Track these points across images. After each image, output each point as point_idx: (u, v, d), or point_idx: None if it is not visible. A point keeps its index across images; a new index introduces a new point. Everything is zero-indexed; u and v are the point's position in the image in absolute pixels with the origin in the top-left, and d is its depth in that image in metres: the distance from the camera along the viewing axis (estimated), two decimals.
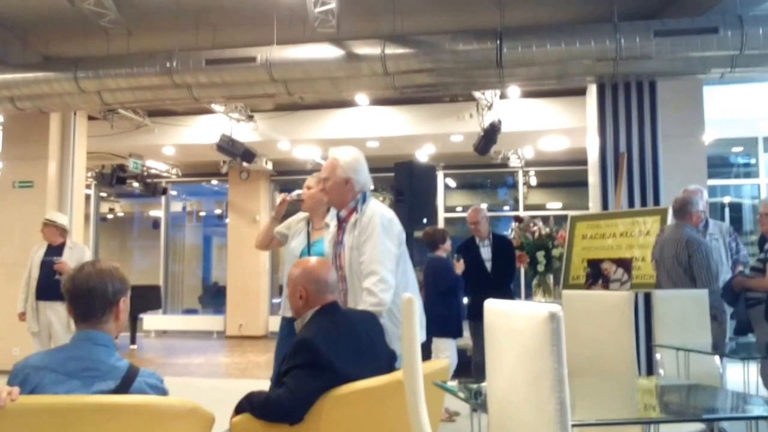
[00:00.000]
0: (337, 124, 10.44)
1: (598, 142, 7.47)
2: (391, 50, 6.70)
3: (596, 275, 5.93)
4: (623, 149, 7.26)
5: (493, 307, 1.92)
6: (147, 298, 11.76)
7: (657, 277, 5.13)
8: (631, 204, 7.16)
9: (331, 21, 6.52)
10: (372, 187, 3.45)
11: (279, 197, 4.11)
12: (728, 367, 4.09)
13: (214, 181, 14.52)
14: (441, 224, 11.79)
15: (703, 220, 5.45)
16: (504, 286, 6.19)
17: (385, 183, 12.10)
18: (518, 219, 7.52)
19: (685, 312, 4.22)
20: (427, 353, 5.67)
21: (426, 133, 10.30)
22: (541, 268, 6.98)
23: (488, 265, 6.23)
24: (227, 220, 13.70)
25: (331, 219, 3.57)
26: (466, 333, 6.19)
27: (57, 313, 6.13)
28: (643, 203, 7.15)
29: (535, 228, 7.16)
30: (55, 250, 6.34)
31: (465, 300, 6.29)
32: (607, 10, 6.73)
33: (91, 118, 9.73)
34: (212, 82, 7.17)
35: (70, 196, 8.92)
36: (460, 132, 10.09)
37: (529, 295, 8.92)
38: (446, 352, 5.83)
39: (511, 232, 7.29)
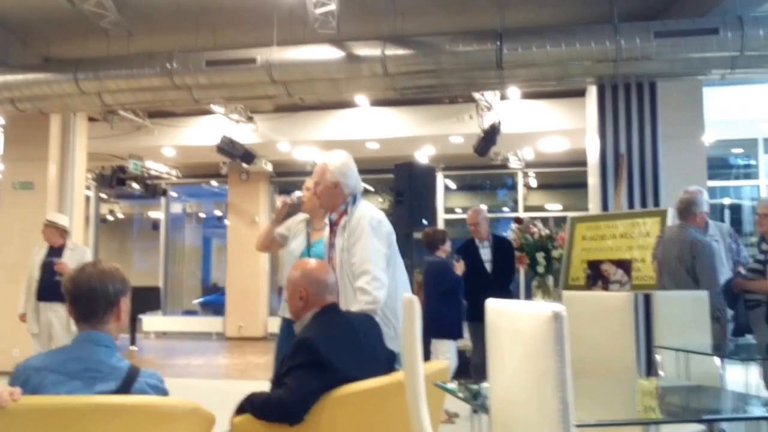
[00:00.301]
0: (337, 126, 10.45)
1: (597, 144, 7.47)
2: (392, 51, 6.71)
3: (596, 276, 5.93)
4: (623, 150, 7.26)
5: (495, 306, 1.92)
6: (146, 300, 11.76)
7: (659, 278, 5.12)
8: (630, 205, 7.16)
9: (331, 22, 6.53)
10: (362, 190, 3.51)
11: (279, 200, 4.11)
12: (728, 368, 4.09)
13: (214, 183, 14.52)
14: (440, 225, 11.79)
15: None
16: (504, 287, 6.19)
17: (384, 184, 12.10)
18: (518, 220, 7.52)
19: (685, 313, 4.21)
20: (426, 354, 5.67)
21: (426, 134, 10.31)
22: (540, 269, 6.98)
23: (488, 266, 6.24)
24: (227, 222, 13.70)
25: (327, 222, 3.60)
26: (466, 334, 6.18)
27: (57, 314, 6.13)
28: (643, 204, 7.15)
29: (535, 229, 7.16)
30: (55, 252, 6.34)
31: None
32: (607, 11, 6.74)
33: (91, 119, 9.73)
34: (212, 83, 7.17)
35: (70, 197, 8.92)
36: (460, 133, 10.09)
37: (528, 297, 8.92)
38: (446, 353, 5.83)
39: (510, 233, 7.28)
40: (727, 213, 10.97)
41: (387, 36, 6.86)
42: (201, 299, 16.12)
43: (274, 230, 4.17)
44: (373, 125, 10.29)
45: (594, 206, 7.79)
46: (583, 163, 8.50)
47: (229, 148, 9.83)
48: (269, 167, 12.60)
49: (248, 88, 7.25)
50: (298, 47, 6.97)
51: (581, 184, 9.07)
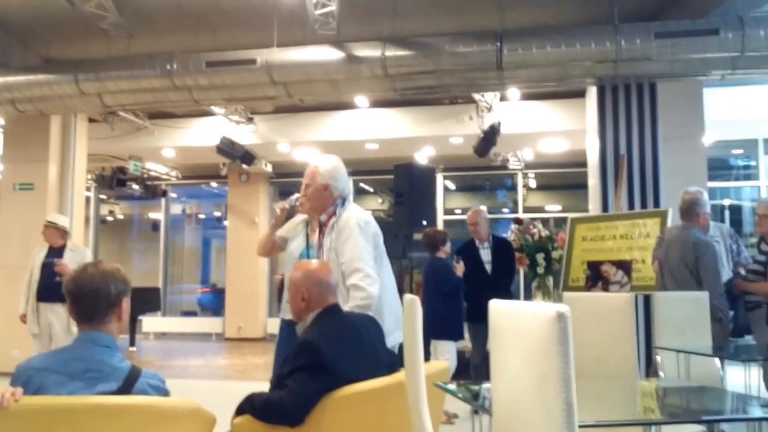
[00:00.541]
0: (337, 127, 10.45)
1: (597, 144, 7.47)
2: (392, 52, 6.71)
3: (596, 277, 5.92)
4: (623, 151, 7.26)
5: (498, 307, 1.92)
6: (146, 300, 11.76)
7: (659, 279, 5.11)
8: (631, 206, 7.16)
9: (331, 23, 6.53)
10: (351, 193, 3.59)
11: (277, 208, 4.08)
12: (729, 369, 4.09)
13: (214, 184, 14.52)
14: (440, 226, 11.79)
15: None
16: (504, 288, 6.18)
17: (384, 185, 12.10)
18: (518, 221, 7.52)
19: (685, 314, 4.21)
20: (425, 355, 5.66)
21: (425, 135, 10.31)
22: (540, 270, 6.98)
23: (488, 267, 6.23)
24: (226, 223, 13.70)
25: None
26: (466, 335, 6.18)
27: (57, 315, 6.13)
28: (643, 205, 7.15)
29: (535, 230, 7.16)
30: (56, 252, 6.34)
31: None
32: (608, 11, 6.74)
33: (91, 120, 9.73)
34: (212, 84, 7.18)
35: (71, 198, 8.93)
36: (460, 134, 10.10)
37: (528, 298, 8.92)
38: (446, 354, 5.82)
39: (510, 234, 7.28)
40: (727, 214, 10.97)
41: (387, 37, 6.86)
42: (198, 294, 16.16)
43: (275, 235, 4.16)
44: (373, 126, 10.29)
45: (594, 207, 7.79)
46: (583, 163, 8.50)
47: (228, 149, 9.84)
48: (269, 168, 12.60)
49: (248, 89, 7.25)
50: (298, 48, 6.97)
51: (581, 185, 9.08)
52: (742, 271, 5.22)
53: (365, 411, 2.65)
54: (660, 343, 4.02)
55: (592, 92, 7.76)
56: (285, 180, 13.39)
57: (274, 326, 6.66)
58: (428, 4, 7.25)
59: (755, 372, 4.62)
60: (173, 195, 14.73)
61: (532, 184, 12.82)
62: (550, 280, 7.09)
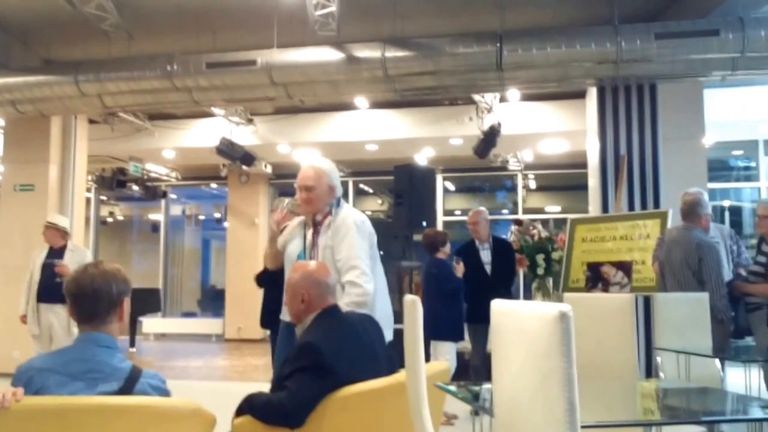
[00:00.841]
0: (337, 127, 10.45)
1: (598, 145, 7.47)
2: (392, 53, 6.71)
3: (596, 278, 5.92)
4: (623, 152, 7.27)
5: (500, 307, 1.91)
6: (146, 301, 11.76)
7: (660, 280, 5.11)
8: (631, 207, 7.16)
9: (331, 24, 6.54)
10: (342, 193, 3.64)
11: (272, 221, 4.01)
12: (729, 370, 4.09)
13: (214, 185, 14.52)
14: (440, 227, 11.78)
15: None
16: (504, 289, 6.18)
17: (384, 186, 12.09)
18: (518, 222, 7.52)
19: (685, 315, 4.21)
20: (425, 356, 5.66)
21: (425, 136, 10.31)
22: (540, 271, 6.97)
23: (488, 268, 6.24)
24: (226, 224, 13.69)
25: None
26: (466, 336, 6.18)
27: (58, 316, 6.13)
28: (644, 206, 7.15)
29: (535, 231, 7.16)
30: (56, 253, 6.34)
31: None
32: (608, 12, 6.74)
33: (91, 121, 9.74)
34: (213, 85, 7.18)
35: (71, 199, 8.93)
36: (460, 135, 10.10)
37: (528, 299, 8.92)
38: (446, 355, 5.82)
39: (510, 235, 7.28)
40: (727, 215, 10.97)
41: (387, 38, 6.86)
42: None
43: (276, 245, 4.14)
44: (373, 127, 10.29)
45: (594, 208, 7.79)
46: (583, 164, 8.50)
47: (228, 150, 9.84)
48: (269, 169, 12.60)
49: (248, 90, 7.25)
50: (298, 49, 6.98)
51: (581, 186, 9.08)
52: (743, 273, 5.22)
53: (365, 411, 2.65)
54: (660, 344, 4.02)
55: (593, 93, 7.77)
56: (284, 181, 13.37)
57: None
58: (428, 4, 7.26)
59: (755, 373, 4.62)
60: (173, 196, 14.73)
61: (532, 185, 12.81)
62: (550, 281, 7.09)
